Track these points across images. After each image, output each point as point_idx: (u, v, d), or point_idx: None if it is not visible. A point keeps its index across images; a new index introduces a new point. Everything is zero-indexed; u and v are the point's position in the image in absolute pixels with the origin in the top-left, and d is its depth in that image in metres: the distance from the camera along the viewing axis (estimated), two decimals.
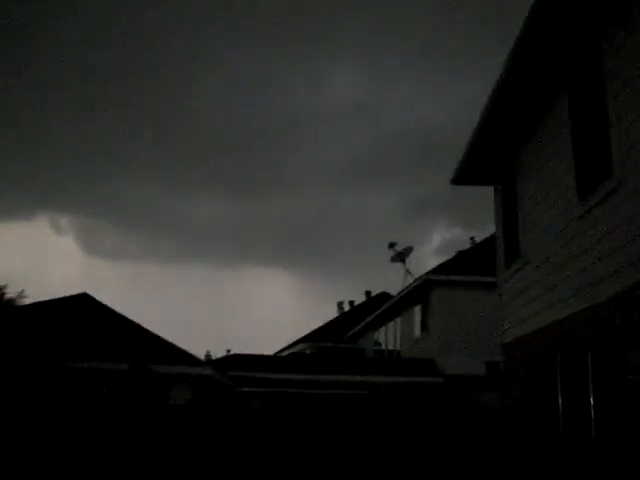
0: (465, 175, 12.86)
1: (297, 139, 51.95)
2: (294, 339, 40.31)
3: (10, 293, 17.87)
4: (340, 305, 44.45)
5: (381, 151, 51.23)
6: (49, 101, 39.42)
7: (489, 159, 12.23)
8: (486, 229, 27.57)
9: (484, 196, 13.97)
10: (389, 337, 31.68)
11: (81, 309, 21.45)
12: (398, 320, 29.95)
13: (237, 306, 58.16)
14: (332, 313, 44.21)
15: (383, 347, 32.90)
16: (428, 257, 60.75)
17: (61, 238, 61.27)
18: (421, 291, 26.07)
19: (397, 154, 51.49)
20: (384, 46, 44.11)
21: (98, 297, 22.64)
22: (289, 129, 50.63)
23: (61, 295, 22.07)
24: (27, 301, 18.52)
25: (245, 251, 61.65)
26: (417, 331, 27.38)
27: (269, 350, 40.05)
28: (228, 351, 34.60)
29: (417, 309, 27.23)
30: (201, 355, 41.51)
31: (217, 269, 65.71)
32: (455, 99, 46.89)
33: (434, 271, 26.23)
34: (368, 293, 42.89)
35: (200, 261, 64.75)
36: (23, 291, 17.88)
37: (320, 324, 40.90)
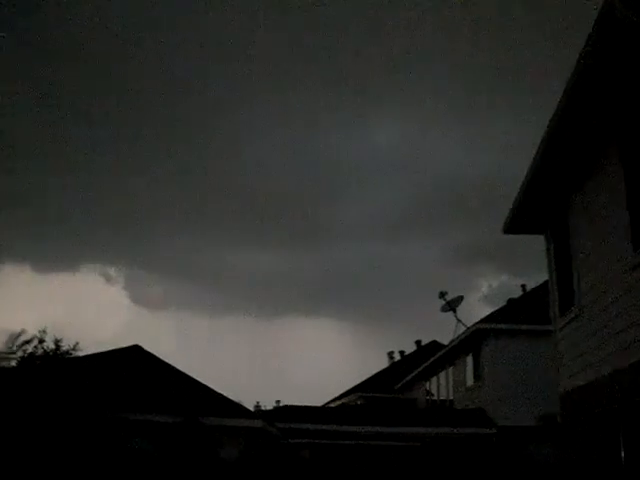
0: (516, 224, 12.80)
1: (343, 189, 52.33)
2: (344, 390, 39.99)
3: (65, 346, 18.14)
4: (390, 355, 44.06)
5: (427, 200, 51.15)
6: (93, 156, 40.66)
7: (540, 208, 12.15)
8: (536, 276, 27.19)
9: (533, 243, 13.89)
10: (441, 387, 31.21)
11: (133, 361, 21.70)
12: (450, 370, 29.53)
13: (286, 357, 57.97)
14: (382, 363, 43.86)
15: (435, 397, 32.41)
16: (476, 305, 59.96)
17: (110, 289, 62.31)
18: (472, 340, 25.73)
19: (443, 203, 51.32)
20: (428, 96, 44.41)
21: (147, 348, 22.96)
22: (335, 179, 51.08)
23: (112, 346, 22.49)
24: (81, 353, 18.79)
25: (293, 302, 61.72)
26: (469, 381, 26.95)
27: (319, 401, 39.72)
28: (277, 402, 34.34)
29: (469, 358, 26.85)
30: (250, 406, 41.36)
31: (265, 320, 65.88)
32: (501, 146, 46.70)
33: (485, 320, 25.90)
34: (418, 342, 42.44)
35: (248, 312, 65.01)
36: (78, 344, 18.16)
37: (370, 374, 40.54)
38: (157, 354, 22.68)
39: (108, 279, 64.95)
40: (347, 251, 56.41)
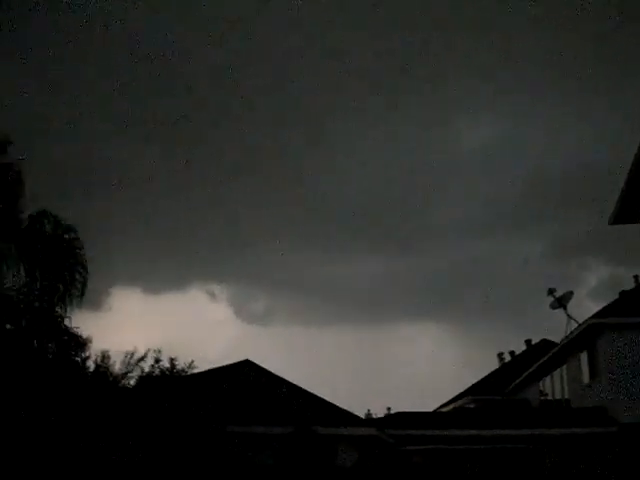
0: (623, 214, 12.41)
1: (440, 190, 51.74)
2: (455, 394, 39.49)
3: (180, 364, 18.76)
4: (500, 356, 43.16)
5: (526, 195, 49.92)
6: (195, 177, 42.02)
7: None
8: None
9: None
10: (555, 386, 30.36)
11: (245, 375, 22.23)
12: (564, 368, 28.70)
13: (393, 363, 57.74)
14: (492, 365, 43.04)
15: (550, 397, 31.56)
16: (585, 300, 57.66)
17: (215, 306, 63.78)
18: (586, 336, 24.96)
19: (543, 197, 49.99)
20: (522, 88, 43.55)
21: (257, 362, 23.47)
22: (431, 180, 50.57)
23: (221, 362, 23.16)
24: (195, 371, 19.39)
25: (399, 307, 61.34)
26: (585, 378, 26.11)
27: (429, 406, 39.33)
28: (388, 409, 34.21)
29: (583, 355, 26.04)
30: (361, 414, 41.55)
31: (371, 327, 65.78)
32: (602, 134, 45.09)
33: (599, 314, 25.08)
34: (528, 342, 41.43)
35: (353, 320, 65.21)
36: (193, 361, 18.76)
37: (481, 377, 39.88)
38: (267, 367, 23.17)
39: (213, 297, 66.55)
40: (448, 253, 55.63)
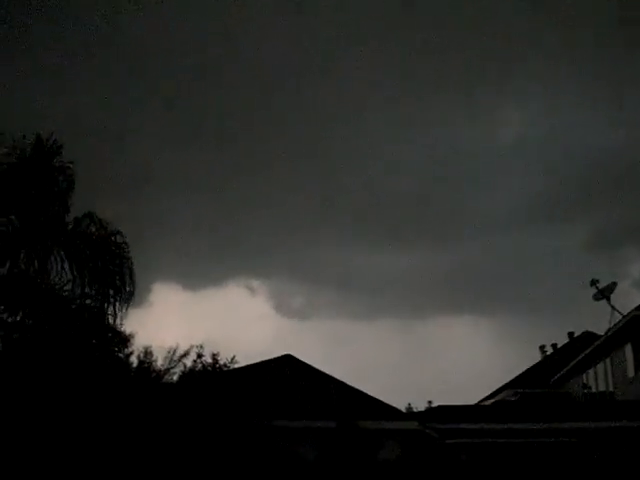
0: None
1: (478, 181, 51.39)
2: (496, 387, 39.19)
3: (222, 359, 18.92)
4: (542, 349, 42.70)
5: (565, 187, 49.36)
6: (232, 175, 42.42)
7: None
8: None
9: None
10: (599, 379, 29.97)
11: (287, 370, 22.36)
12: (607, 361, 28.33)
13: (433, 357, 57.50)
14: (535, 357, 42.62)
15: (593, 390, 31.16)
16: (629, 292, 56.68)
17: (255, 301, 64.09)
18: (631, 328, 24.62)
19: (581, 189, 49.35)
20: (564, 76, 43.03)
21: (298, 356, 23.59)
22: (469, 172, 50.26)
23: (262, 357, 23.35)
24: (237, 365, 19.54)
25: (437, 301, 61.04)
26: (630, 371, 25.74)
27: (471, 399, 39.09)
28: (429, 402, 34.12)
29: (627, 348, 25.70)
30: (402, 408, 41.46)
31: (410, 321, 65.49)
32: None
33: None
34: (571, 334, 40.93)
35: (391, 314, 65.00)
36: (234, 357, 18.91)
37: (522, 370, 39.51)
38: (308, 362, 23.27)
39: (253, 292, 66.86)
40: (489, 246, 55.24)
